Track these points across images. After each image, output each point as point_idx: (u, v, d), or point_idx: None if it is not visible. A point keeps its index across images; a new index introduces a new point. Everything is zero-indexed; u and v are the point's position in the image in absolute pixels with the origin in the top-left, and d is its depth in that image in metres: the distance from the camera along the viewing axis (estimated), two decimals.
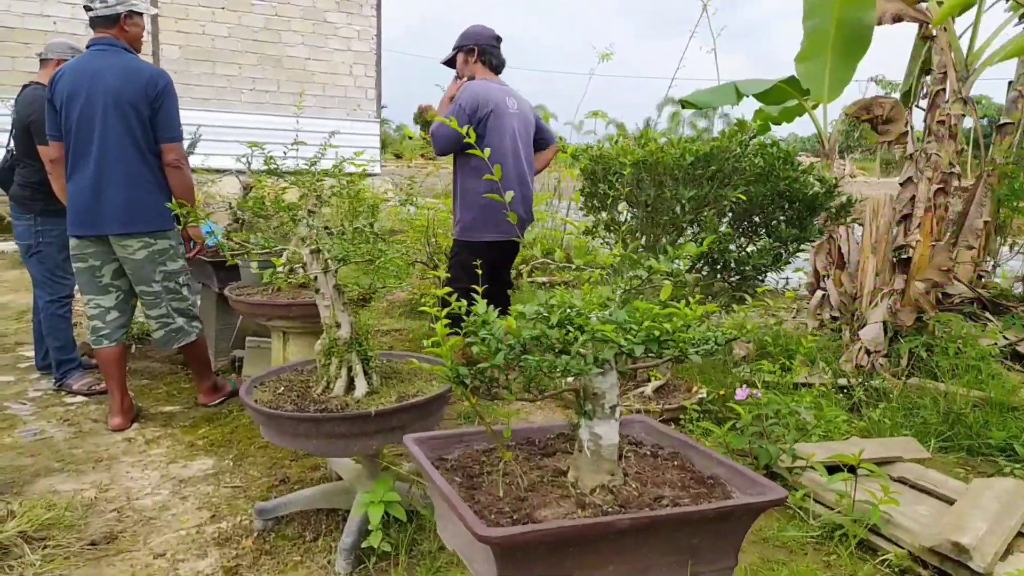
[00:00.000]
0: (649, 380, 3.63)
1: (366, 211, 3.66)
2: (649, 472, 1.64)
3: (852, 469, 2.52)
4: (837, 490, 2.55)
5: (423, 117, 40.56)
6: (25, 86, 4.01)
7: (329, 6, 12.43)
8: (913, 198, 5.04)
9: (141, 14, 3.48)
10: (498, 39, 3.85)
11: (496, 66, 3.84)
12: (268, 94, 11.99)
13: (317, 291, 2.40)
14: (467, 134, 2.24)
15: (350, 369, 2.40)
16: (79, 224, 3.34)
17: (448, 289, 1.75)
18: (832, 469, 2.61)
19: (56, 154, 3.41)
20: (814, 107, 5.70)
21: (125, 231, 3.33)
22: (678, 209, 3.44)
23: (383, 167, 15.13)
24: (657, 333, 1.41)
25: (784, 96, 5.28)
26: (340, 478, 2.73)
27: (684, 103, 5.41)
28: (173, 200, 3.37)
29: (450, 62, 3.94)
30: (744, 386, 2.93)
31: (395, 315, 5.79)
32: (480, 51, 3.79)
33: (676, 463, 1.69)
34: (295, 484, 2.87)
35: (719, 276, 3.52)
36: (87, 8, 3.36)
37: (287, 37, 12.07)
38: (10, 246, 8.74)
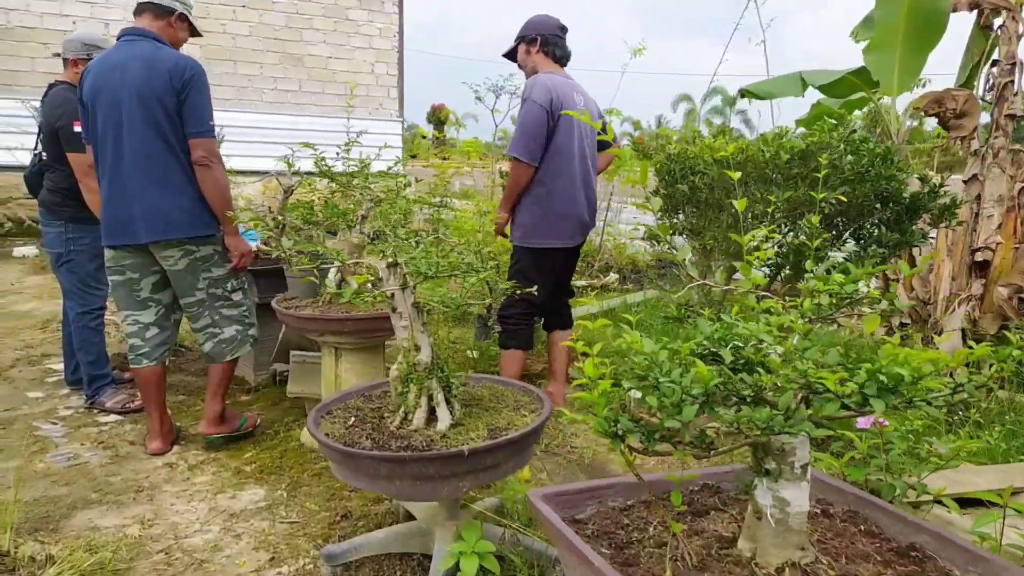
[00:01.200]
0: None
1: (398, 215, 3.39)
2: (834, 541, 1.35)
3: (978, 502, 2.23)
4: (980, 533, 2.25)
5: (436, 116, 40.31)
6: (51, 85, 3.76)
7: (351, 3, 12.17)
8: (979, 196, 4.72)
9: (192, 24, 3.22)
10: (563, 29, 3.55)
11: (560, 58, 3.54)
12: (290, 93, 11.75)
13: (394, 310, 2.11)
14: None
15: (431, 398, 2.12)
16: (113, 233, 3.04)
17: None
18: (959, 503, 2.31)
19: (90, 160, 3.13)
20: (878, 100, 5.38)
21: (163, 239, 3.01)
22: (754, 212, 3.15)
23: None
24: (886, 379, 1.12)
25: (851, 88, 4.96)
26: (411, 515, 2.45)
27: (745, 93, 5.11)
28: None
29: (511, 54, 3.66)
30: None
31: (437, 321, 5.50)
32: (543, 41, 3.50)
33: (861, 527, 1.40)
34: (358, 520, 2.60)
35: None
36: None
37: (308, 35, 11.82)
38: (31, 250, 8.53)
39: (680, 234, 3.47)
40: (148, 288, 3.16)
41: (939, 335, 4.58)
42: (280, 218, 3.99)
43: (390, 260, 2.09)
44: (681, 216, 3.36)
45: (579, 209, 3.52)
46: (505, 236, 3.58)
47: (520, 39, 3.57)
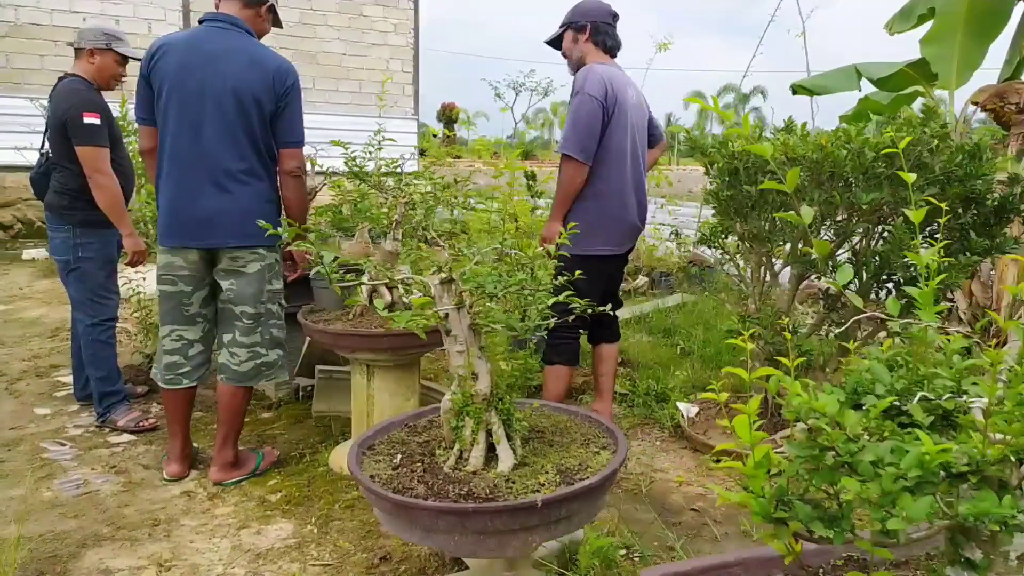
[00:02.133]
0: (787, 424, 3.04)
1: (420, 215, 3.11)
2: None
3: None
4: None
5: (446, 115, 40.05)
6: (61, 78, 3.50)
7: None
8: None
9: (277, 16, 2.97)
10: (615, 16, 3.26)
11: (611, 47, 3.25)
12: (304, 91, 11.47)
13: (447, 332, 1.84)
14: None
15: (489, 433, 1.84)
16: (180, 234, 2.75)
17: None
18: None
19: (149, 143, 2.82)
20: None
21: (242, 244, 2.76)
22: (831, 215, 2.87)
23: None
24: None
25: (907, 82, 4.66)
26: (460, 561, 2.18)
27: (797, 89, 4.81)
28: (284, 213, 2.87)
29: (555, 42, 3.36)
30: None
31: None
32: (594, 29, 3.21)
33: None
34: (399, 564, 2.32)
35: (891, 295, 2.92)
36: None
37: (323, 32, 11.57)
38: (40, 253, 8.31)
39: (742, 241, 3.18)
40: (199, 302, 2.87)
41: (1003, 345, 4.28)
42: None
43: (444, 276, 1.81)
44: (744, 220, 3.07)
45: (631, 213, 3.24)
46: (552, 253, 3.28)
47: (567, 25, 3.27)
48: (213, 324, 2.95)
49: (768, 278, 3.30)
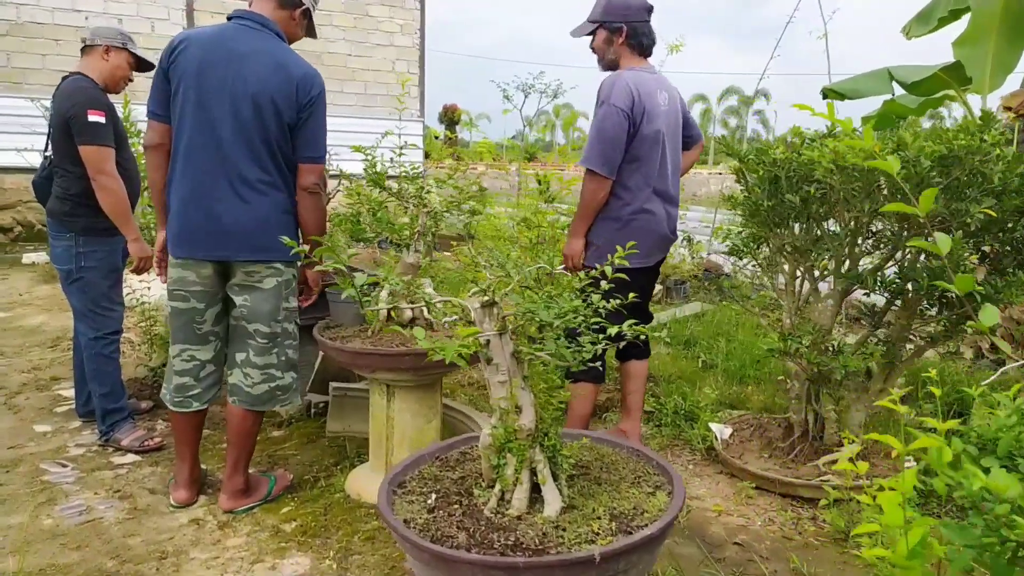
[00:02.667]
0: (842, 444, 2.88)
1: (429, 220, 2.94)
2: None
3: None
4: None
5: (448, 116, 39.85)
6: (65, 77, 3.33)
7: None
8: None
9: (313, 25, 2.81)
10: (650, 10, 3.09)
11: (646, 47, 3.08)
12: None
13: (488, 361, 1.67)
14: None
15: (534, 471, 1.68)
16: (192, 244, 2.56)
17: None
18: None
19: (157, 139, 2.62)
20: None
21: (257, 258, 2.58)
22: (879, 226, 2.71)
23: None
24: None
25: (939, 86, 4.50)
26: None
27: (828, 93, 4.64)
28: (301, 230, 2.67)
29: (583, 33, 3.18)
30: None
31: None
32: (630, 31, 3.04)
33: None
34: None
35: (940, 312, 2.77)
36: None
37: (328, 32, 11.40)
38: (41, 257, 8.14)
39: (780, 253, 3.02)
40: (211, 319, 2.67)
41: None
42: None
43: (486, 299, 1.64)
44: (785, 232, 2.91)
45: (661, 223, 3.08)
46: (578, 270, 3.11)
47: (601, 24, 3.10)
48: (225, 342, 2.77)
49: (809, 292, 3.13)
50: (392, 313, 2.80)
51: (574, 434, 1.99)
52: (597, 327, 1.77)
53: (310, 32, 2.83)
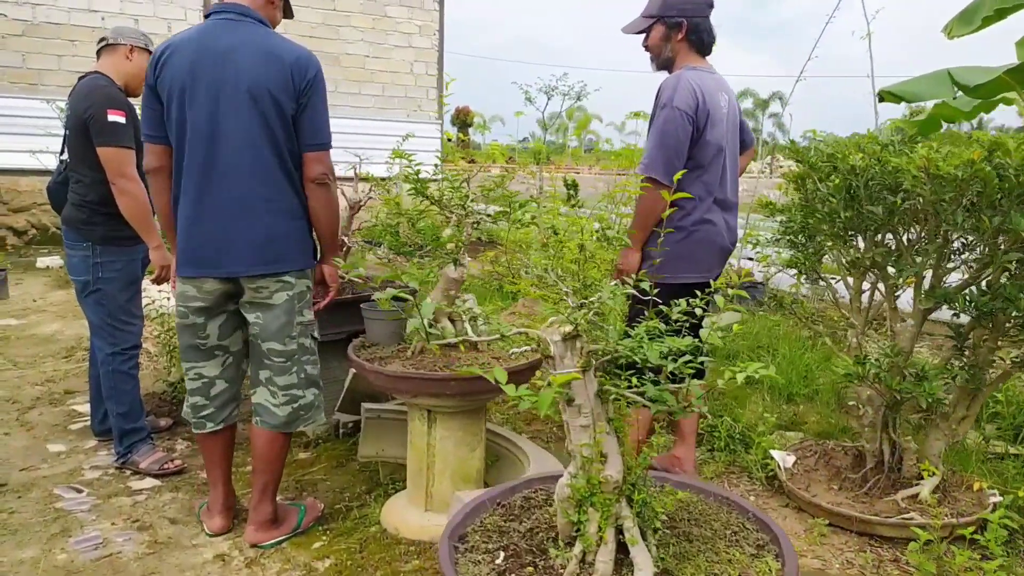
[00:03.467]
0: (921, 477, 2.63)
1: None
2: None
3: None
4: None
5: (461, 119, 39.72)
6: (81, 77, 3.14)
7: (390, 0, 11.58)
8: None
9: (289, 5, 2.59)
10: (711, 5, 2.86)
11: (707, 45, 2.86)
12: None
13: (570, 402, 1.45)
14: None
15: (619, 529, 1.46)
16: (196, 263, 2.37)
17: None
18: None
19: (156, 162, 2.42)
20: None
21: (260, 272, 2.37)
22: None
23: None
24: None
25: (1001, 88, 4.24)
26: None
27: (885, 96, 4.39)
28: (314, 227, 2.47)
29: (637, 31, 2.95)
30: None
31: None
32: (690, 27, 2.81)
33: None
34: None
35: None
36: None
37: (346, 33, 11.24)
38: (55, 261, 7.99)
39: (851, 268, 2.78)
40: (215, 334, 2.48)
41: None
42: (346, 240, 3.36)
43: (568, 331, 1.42)
44: (863, 245, 2.67)
45: (721, 235, 2.85)
46: (629, 281, 2.88)
47: (659, 18, 2.87)
48: (239, 357, 2.58)
49: (880, 308, 2.89)
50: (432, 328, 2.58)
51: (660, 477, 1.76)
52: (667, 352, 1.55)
53: (287, 12, 2.61)
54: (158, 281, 3.19)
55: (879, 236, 2.59)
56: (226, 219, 2.33)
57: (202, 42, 2.31)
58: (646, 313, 2.72)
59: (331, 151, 2.46)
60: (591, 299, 1.54)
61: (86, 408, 3.69)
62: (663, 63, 2.94)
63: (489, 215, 2.78)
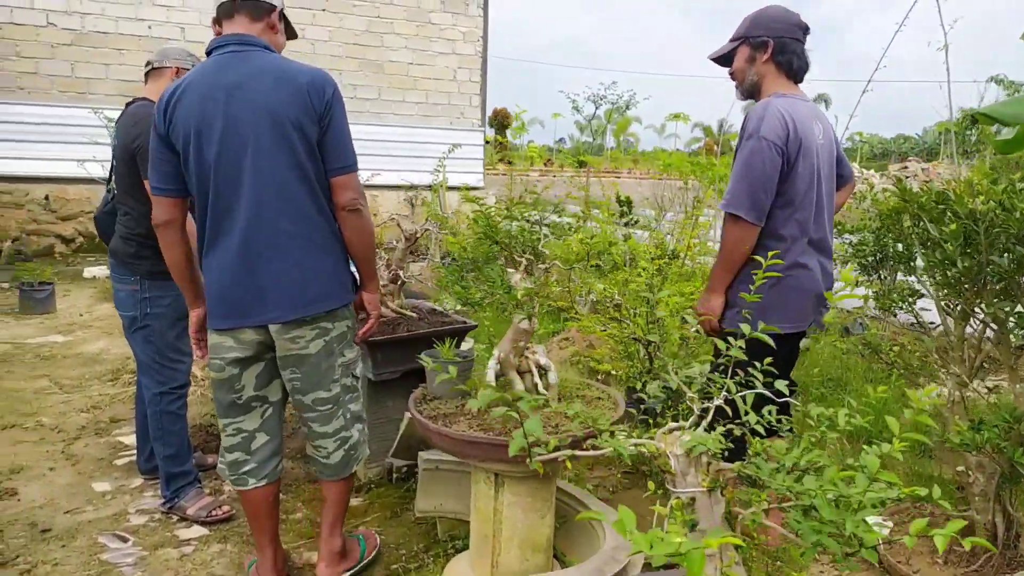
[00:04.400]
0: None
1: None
2: None
3: None
4: None
5: (498, 121, 39.59)
6: (129, 103, 3.01)
7: (434, 6, 11.44)
8: None
9: (289, 24, 2.42)
10: (805, 30, 2.62)
11: (798, 70, 2.61)
12: (369, 102, 11.07)
13: (693, 527, 1.23)
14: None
15: None
16: (227, 314, 2.22)
17: None
18: None
19: (167, 215, 2.26)
20: None
21: (298, 316, 2.22)
22: None
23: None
24: None
25: None
26: None
27: (980, 118, 4.09)
28: (350, 255, 2.33)
29: (725, 59, 2.74)
30: None
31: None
32: (777, 47, 2.57)
33: None
34: None
35: None
36: None
37: (389, 40, 11.13)
38: (102, 271, 7.99)
39: (965, 319, 2.51)
40: (252, 384, 2.32)
41: None
42: (400, 273, 3.19)
43: (692, 445, 1.21)
44: (983, 299, 2.40)
45: (816, 281, 2.61)
46: (714, 331, 2.65)
47: (742, 39, 2.65)
48: (279, 407, 2.44)
49: (986, 359, 2.62)
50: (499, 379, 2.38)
51: None
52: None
53: (290, 33, 2.45)
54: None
55: (1003, 288, 2.33)
56: (259, 263, 2.18)
57: (209, 80, 2.15)
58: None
59: (359, 172, 2.32)
60: (694, 376, 1.33)
61: (132, 440, 3.58)
62: (748, 89, 2.70)
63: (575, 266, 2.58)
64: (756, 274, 2.51)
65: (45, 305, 6.28)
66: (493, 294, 2.32)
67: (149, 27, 9.65)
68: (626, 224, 6.48)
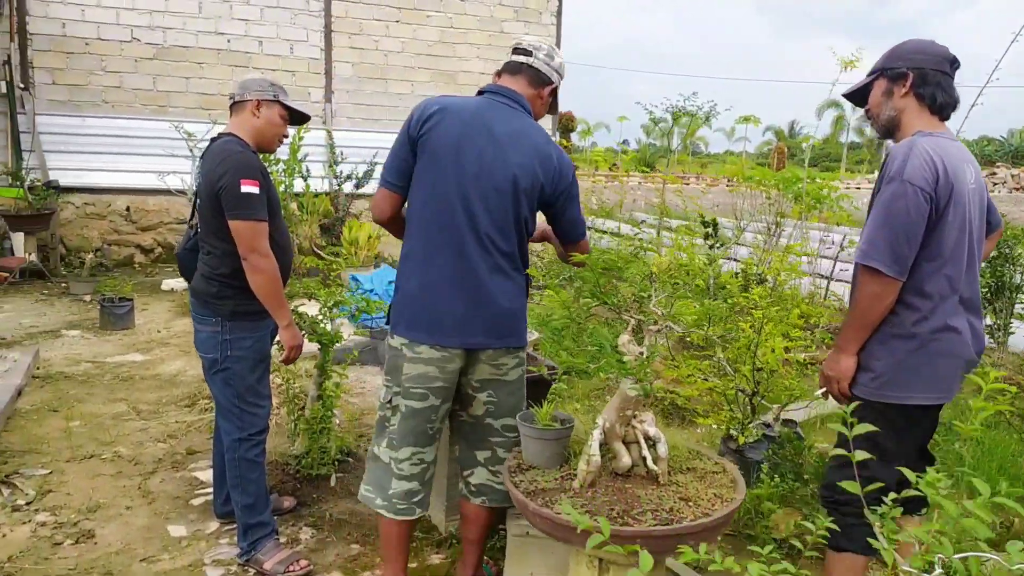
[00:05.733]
0: None
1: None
2: None
3: None
4: None
5: (562, 124, 39.33)
6: (214, 139, 2.90)
7: (507, 15, 11.30)
8: None
9: (556, 101, 2.60)
10: (953, 63, 2.31)
11: (943, 105, 2.30)
12: None
13: None
14: None
15: None
16: (445, 331, 2.36)
17: None
18: None
19: (391, 210, 2.50)
20: None
21: (509, 344, 2.45)
22: None
23: None
24: None
25: None
26: None
27: None
28: None
29: (859, 94, 2.45)
30: None
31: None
32: (918, 78, 2.26)
33: None
34: None
35: None
36: (520, 51, 2.54)
37: (462, 51, 11.03)
38: (180, 283, 8.08)
39: None
40: (441, 417, 2.50)
41: None
42: None
43: None
44: None
45: (966, 345, 2.28)
46: (844, 397, 2.37)
47: (880, 72, 2.36)
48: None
49: None
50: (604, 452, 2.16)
51: None
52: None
53: (552, 109, 2.63)
54: (288, 362, 2.93)
55: None
56: (479, 289, 2.36)
57: (479, 118, 2.37)
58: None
59: None
60: None
61: (208, 476, 3.51)
62: (885, 125, 2.40)
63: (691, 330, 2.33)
64: (897, 335, 2.26)
65: (125, 321, 6.35)
66: (599, 359, 2.10)
67: (228, 40, 9.77)
68: (711, 247, 6.14)
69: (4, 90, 8.56)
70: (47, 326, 6.36)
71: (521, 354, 2.52)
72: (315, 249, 8.66)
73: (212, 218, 2.78)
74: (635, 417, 2.20)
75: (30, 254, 8.22)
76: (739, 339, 3.10)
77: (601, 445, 2.18)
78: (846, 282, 6.54)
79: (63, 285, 7.89)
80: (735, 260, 7.37)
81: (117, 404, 4.58)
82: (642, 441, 2.19)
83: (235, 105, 2.91)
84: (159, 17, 9.38)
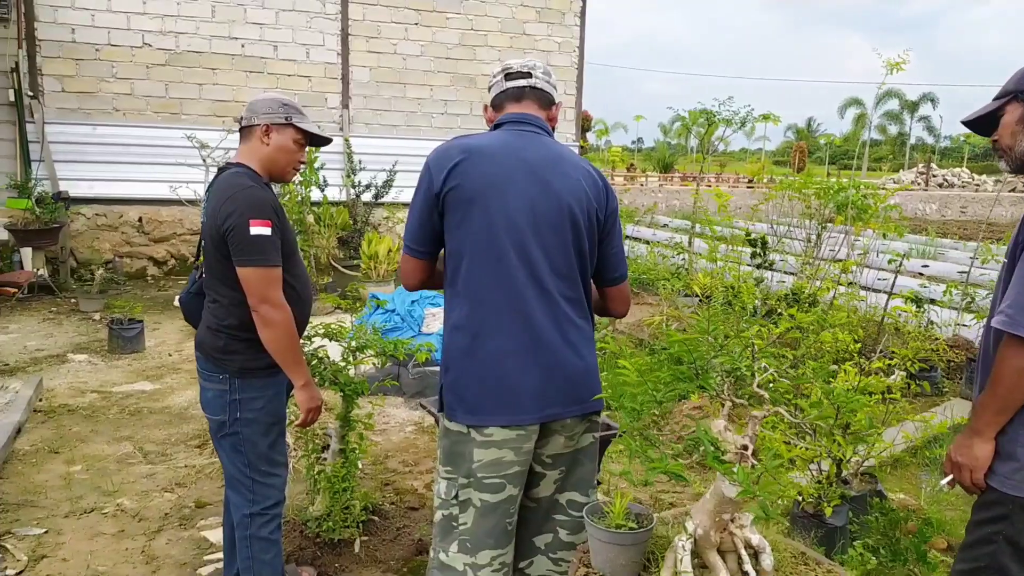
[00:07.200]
0: None
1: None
2: None
3: None
4: None
5: (578, 123, 38.83)
6: (221, 169, 2.52)
7: (529, 16, 10.89)
8: None
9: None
10: None
11: None
12: (460, 118, 10.62)
13: None
14: None
15: None
16: (522, 406, 1.99)
17: None
18: None
19: (422, 275, 2.17)
20: None
21: (585, 411, 2.10)
22: None
23: None
24: None
25: None
26: None
27: None
28: None
29: (983, 122, 2.04)
30: None
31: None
32: None
33: None
34: None
35: None
36: (515, 75, 2.18)
37: (482, 53, 10.64)
38: None
39: None
40: (519, 505, 2.10)
41: None
42: None
43: None
44: None
45: None
46: (977, 487, 1.96)
47: (1012, 95, 1.94)
48: None
49: None
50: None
51: None
52: None
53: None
54: (304, 425, 2.55)
55: None
56: (551, 353, 2.02)
57: (511, 151, 2.07)
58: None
59: None
60: None
61: (217, 535, 3.15)
62: (1019, 159, 1.98)
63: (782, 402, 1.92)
64: None
65: (134, 344, 6.02)
66: (692, 454, 1.70)
67: (242, 45, 9.45)
68: (758, 266, 5.72)
69: (12, 98, 8.28)
70: (53, 349, 6.04)
71: (595, 418, 2.17)
72: (333, 263, 8.31)
73: (218, 263, 2.39)
74: (732, 521, 1.80)
75: (39, 268, 7.92)
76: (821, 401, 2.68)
77: (692, 554, 1.78)
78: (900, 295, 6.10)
79: (72, 301, 7.59)
80: (772, 270, 6.90)
81: (122, 444, 4.24)
82: (742, 551, 1.79)
83: (243, 131, 2.53)
84: (171, 22, 9.06)
